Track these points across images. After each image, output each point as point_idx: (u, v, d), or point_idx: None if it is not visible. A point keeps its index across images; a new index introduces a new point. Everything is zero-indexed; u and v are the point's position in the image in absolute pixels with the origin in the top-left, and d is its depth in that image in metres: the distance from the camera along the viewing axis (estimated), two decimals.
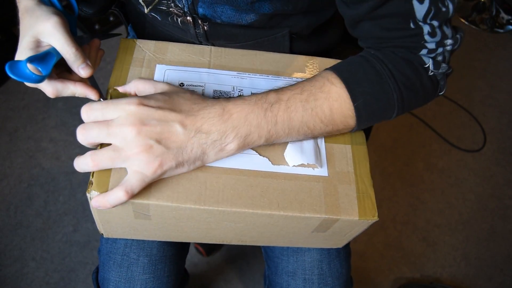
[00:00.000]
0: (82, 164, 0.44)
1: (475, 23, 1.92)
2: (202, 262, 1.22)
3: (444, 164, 1.51)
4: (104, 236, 0.58)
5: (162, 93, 0.47)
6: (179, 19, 0.60)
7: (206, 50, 0.59)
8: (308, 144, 0.52)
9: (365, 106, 0.49)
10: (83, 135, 0.44)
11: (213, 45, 0.63)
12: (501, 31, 1.91)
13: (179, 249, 0.68)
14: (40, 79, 0.46)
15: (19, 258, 1.16)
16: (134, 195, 0.44)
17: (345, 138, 0.55)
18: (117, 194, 0.43)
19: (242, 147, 0.47)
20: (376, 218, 0.50)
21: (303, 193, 0.49)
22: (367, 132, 0.83)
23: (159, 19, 0.62)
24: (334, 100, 0.48)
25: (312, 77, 0.51)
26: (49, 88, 0.49)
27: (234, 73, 0.57)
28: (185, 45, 0.59)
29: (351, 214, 0.49)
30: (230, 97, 0.49)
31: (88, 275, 1.16)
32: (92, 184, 0.45)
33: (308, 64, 0.61)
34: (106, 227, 0.53)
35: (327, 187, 0.50)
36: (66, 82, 0.50)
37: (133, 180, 0.43)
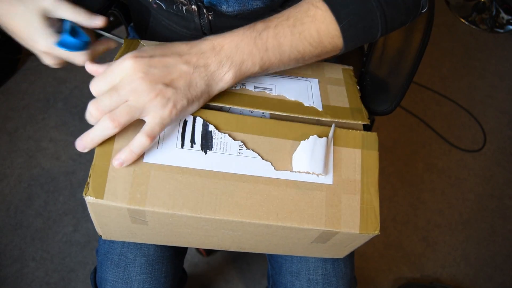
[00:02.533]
0: (100, 130, 0.44)
1: (475, 23, 1.92)
2: (202, 262, 1.22)
3: (444, 164, 1.51)
4: (103, 238, 0.57)
5: (148, 46, 0.48)
6: (184, 8, 0.59)
7: None
8: (320, 150, 0.49)
9: (350, 26, 0.49)
10: (97, 109, 0.44)
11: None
12: (501, 31, 1.91)
13: (177, 249, 0.68)
14: (89, 41, 0.52)
15: (19, 258, 1.16)
16: (154, 138, 0.45)
17: (356, 142, 0.52)
18: (140, 140, 0.44)
19: (239, 76, 0.48)
20: (377, 232, 0.48)
21: (304, 202, 0.47)
22: (368, 130, 0.83)
23: (164, 7, 0.61)
24: (320, 23, 0.49)
25: (297, 3, 0.51)
26: (88, 54, 0.53)
27: None
28: None
29: (351, 227, 0.48)
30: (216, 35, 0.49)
31: (88, 275, 1.16)
32: (88, 186, 0.44)
33: (313, 67, 0.60)
34: (104, 229, 0.53)
35: (330, 196, 0.48)
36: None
37: (153, 124, 0.44)
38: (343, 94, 0.57)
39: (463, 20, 1.93)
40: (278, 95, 0.54)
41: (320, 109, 0.53)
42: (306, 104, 0.53)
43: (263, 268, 1.23)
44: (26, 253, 1.17)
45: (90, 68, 0.50)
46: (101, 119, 0.44)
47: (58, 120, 1.40)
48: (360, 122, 0.54)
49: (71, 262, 1.17)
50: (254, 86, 0.54)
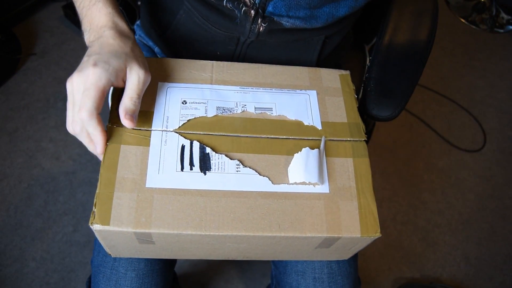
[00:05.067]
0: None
1: (475, 23, 1.92)
2: (202, 262, 1.22)
3: (444, 164, 1.51)
4: (112, 256, 0.59)
5: None
6: (243, 9, 0.59)
7: (208, 66, 0.59)
8: (313, 161, 0.51)
9: None
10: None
11: (252, 42, 0.64)
12: (501, 31, 1.91)
13: (167, 262, 0.69)
14: None
15: (19, 258, 1.16)
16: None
17: (347, 151, 0.54)
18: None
19: None
20: (378, 235, 0.50)
21: (304, 212, 0.49)
22: (369, 132, 0.83)
23: (212, 2, 0.61)
24: None
25: None
26: None
27: (237, 88, 0.57)
28: (187, 61, 0.59)
29: (353, 232, 0.49)
30: None
31: (88, 275, 1.16)
32: (94, 215, 0.45)
33: (311, 75, 0.61)
34: (113, 250, 0.54)
35: (328, 204, 0.50)
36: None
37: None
38: (341, 107, 0.58)
39: (463, 20, 1.93)
40: (278, 115, 0.55)
41: (319, 127, 0.55)
42: (305, 123, 0.55)
43: (263, 268, 1.23)
44: (26, 253, 1.17)
45: None
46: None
47: (58, 120, 1.40)
48: (358, 139, 0.56)
49: (71, 262, 1.17)
50: (255, 108, 0.56)
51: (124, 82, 0.49)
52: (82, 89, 0.46)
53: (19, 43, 1.52)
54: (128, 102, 0.48)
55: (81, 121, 0.46)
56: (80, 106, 0.45)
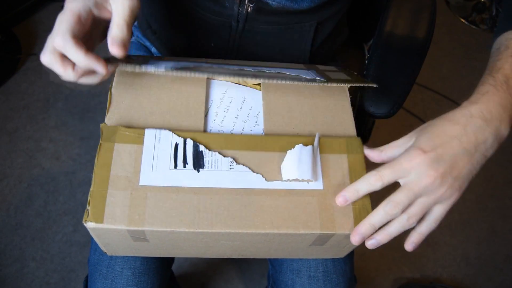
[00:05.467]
0: (397, 225, 0.47)
1: (475, 23, 1.92)
2: (202, 262, 1.22)
3: None
4: (108, 255, 0.59)
5: (423, 136, 0.50)
6: None
7: (202, 61, 0.59)
8: (306, 157, 0.50)
9: None
10: (396, 205, 0.46)
11: (244, 27, 0.64)
12: None
13: (163, 261, 0.69)
14: None
15: (19, 258, 1.17)
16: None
17: (341, 147, 0.53)
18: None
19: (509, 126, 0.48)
20: None
21: (298, 209, 0.48)
22: (368, 132, 0.83)
23: None
24: None
25: (504, 46, 0.53)
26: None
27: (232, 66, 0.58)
28: (182, 58, 0.59)
29: (346, 228, 0.48)
30: (470, 100, 0.50)
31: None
32: (88, 213, 0.45)
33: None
34: (108, 248, 0.54)
35: (322, 201, 0.49)
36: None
37: (442, 213, 0.48)
38: (343, 76, 0.59)
39: (463, 20, 1.93)
40: (277, 72, 0.55)
41: (321, 78, 0.55)
42: (307, 78, 0.55)
43: (262, 268, 1.23)
44: (26, 253, 1.17)
45: (368, 153, 0.51)
46: (399, 216, 0.46)
47: (58, 120, 1.40)
48: (368, 85, 0.57)
49: (71, 262, 1.17)
50: (252, 67, 0.56)
51: (111, 13, 0.46)
52: (59, 20, 0.44)
53: (19, 43, 1.53)
54: (115, 29, 0.45)
55: (53, 47, 0.44)
56: (55, 34, 0.43)
